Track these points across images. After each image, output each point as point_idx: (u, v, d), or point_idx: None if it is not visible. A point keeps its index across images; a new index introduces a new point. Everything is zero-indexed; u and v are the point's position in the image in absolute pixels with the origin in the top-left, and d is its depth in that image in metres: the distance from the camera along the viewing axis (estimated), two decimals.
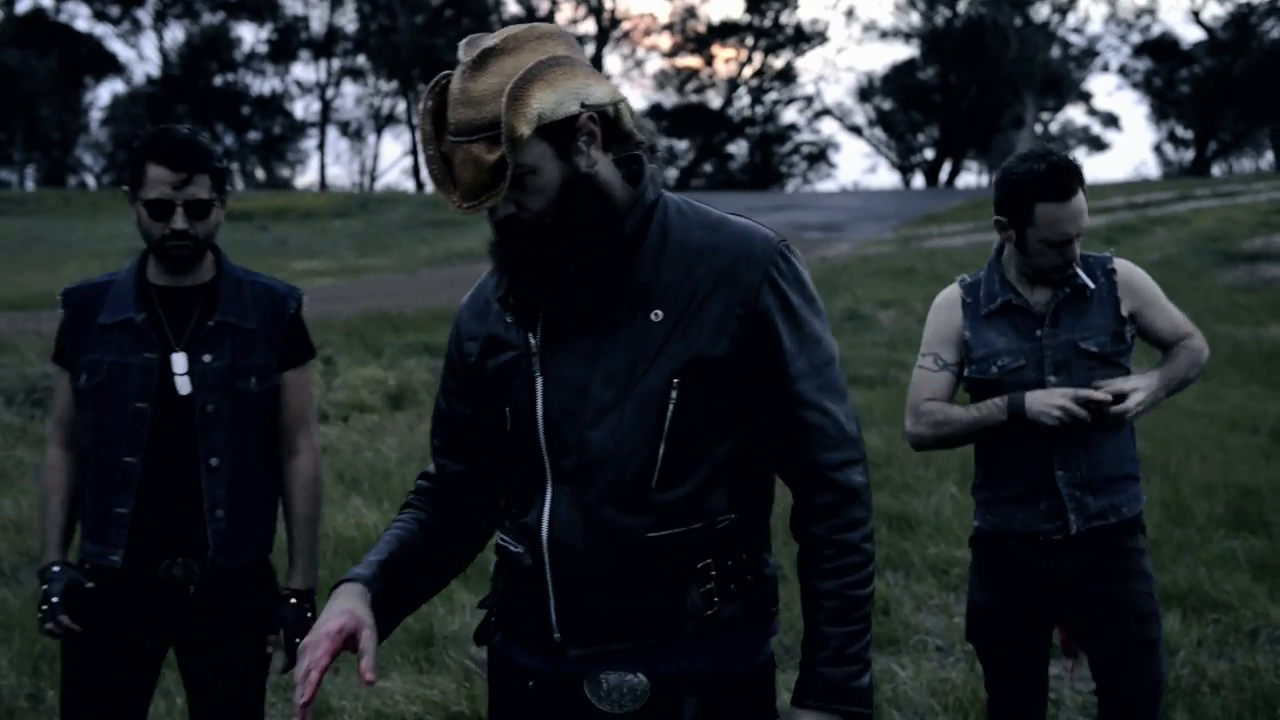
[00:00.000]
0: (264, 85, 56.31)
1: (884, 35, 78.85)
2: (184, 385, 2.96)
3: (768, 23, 56.91)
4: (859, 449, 1.99)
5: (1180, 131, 56.43)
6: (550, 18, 48.47)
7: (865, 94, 58.25)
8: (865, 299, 14.13)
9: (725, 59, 61.42)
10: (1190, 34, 73.57)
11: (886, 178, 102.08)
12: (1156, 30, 61.71)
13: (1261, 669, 4.55)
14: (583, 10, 54.85)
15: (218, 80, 54.37)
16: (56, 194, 35.82)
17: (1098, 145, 57.83)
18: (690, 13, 59.87)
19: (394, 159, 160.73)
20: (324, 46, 54.58)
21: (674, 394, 1.91)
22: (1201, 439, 8.33)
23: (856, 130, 59.33)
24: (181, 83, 52.27)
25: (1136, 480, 3.18)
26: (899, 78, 56.90)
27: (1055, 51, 52.13)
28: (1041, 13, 52.06)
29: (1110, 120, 58.75)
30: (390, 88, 55.20)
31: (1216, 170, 53.11)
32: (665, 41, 68.91)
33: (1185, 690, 4.41)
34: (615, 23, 56.56)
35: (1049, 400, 3.02)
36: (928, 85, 56.70)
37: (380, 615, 1.98)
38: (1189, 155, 55.34)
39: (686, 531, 1.93)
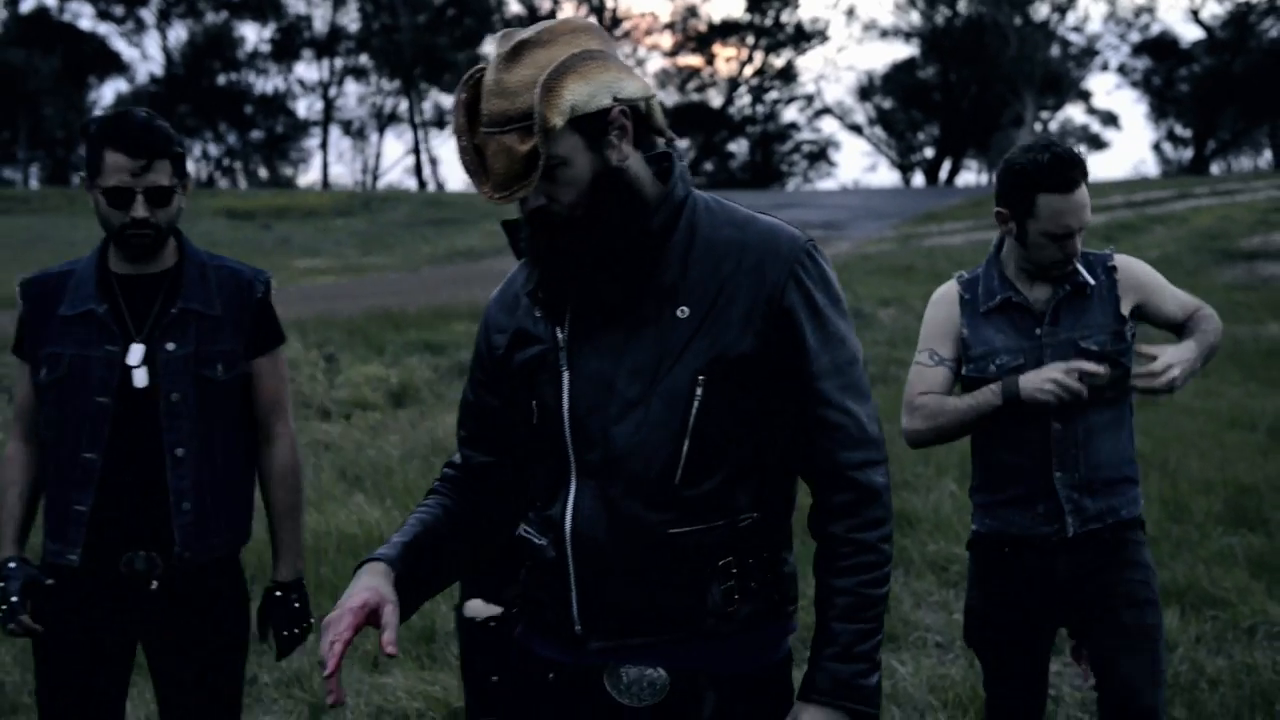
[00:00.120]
0: (267, 84, 56.41)
1: (884, 34, 79.19)
2: (140, 378, 2.84)
3: (768, 22, 56.91)
4: (880, 450, 1.99)
5: (1179, 130, 56.39)
6: (552, 17, 48.33)
7: (865, 93, 58.25)
8: (865, 297, 14.11)
9: (726, 58, 61.30)
10: (1189, 33, 73.85)
11: (886, 176, 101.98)
12: (1156, 29, 62.03)
13: (1259, 665, 4.56)
14: (584, 9, 54.82)
15: (221, 79, 54.33)
16: (60, 192, 35.72)
17: (1097, 144, 57.70)
18: (691, 12, 60.05)
19: (396, 158, 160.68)
20: (327, 46, 54.57)
21: (699, 391, 1.91)
22: (1200, 436, 8.34)
23: (857, 129, 59.35)
24: (185, 82, 52.21)
25: (1135, 483, 3.14)
26: (899, 77, 56.83)
27: (1055, 50, 52.07)
28: (1041, 12, 52.04)
29: (1109, 119, 58.69)
30: (392, 87, 55.23)
31: (1215, 169, 53.06)
32: (666, 40, 69.16)
33: (1183, 687, 4.42)
34: (616, 22, 56.53)
35: (1042, 376, 2.97)
36: (928, 84, 56.62)
37: (402, 595, 1.98)
38: (1188, 154, 55.32)
39: (709, 528, 1.93)
